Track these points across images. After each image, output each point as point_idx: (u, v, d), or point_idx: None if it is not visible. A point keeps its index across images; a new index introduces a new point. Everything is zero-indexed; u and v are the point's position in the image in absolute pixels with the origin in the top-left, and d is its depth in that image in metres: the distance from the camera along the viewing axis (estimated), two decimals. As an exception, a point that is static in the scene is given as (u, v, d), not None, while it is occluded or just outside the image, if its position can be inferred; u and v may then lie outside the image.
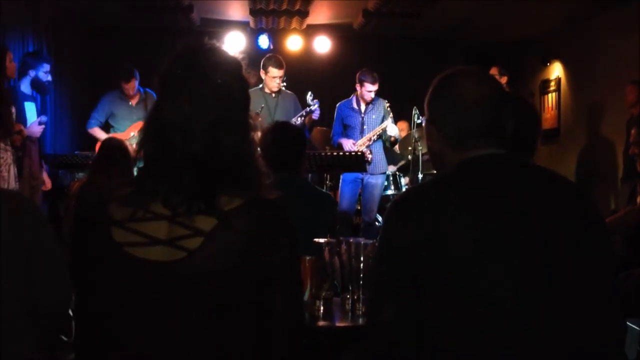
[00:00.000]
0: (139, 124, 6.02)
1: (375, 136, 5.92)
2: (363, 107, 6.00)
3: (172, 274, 1.28)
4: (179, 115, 1.33)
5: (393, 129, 5.88)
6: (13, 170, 4.64)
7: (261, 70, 5.72)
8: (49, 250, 1.66)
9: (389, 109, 5.91)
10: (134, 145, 5.04)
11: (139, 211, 1.31)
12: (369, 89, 5.86)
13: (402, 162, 7.03)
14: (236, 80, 1.40)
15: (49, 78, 5.60)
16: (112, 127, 6.24)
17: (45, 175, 5.50)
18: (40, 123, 5.24)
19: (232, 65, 1.41)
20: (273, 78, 5.72)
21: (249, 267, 1.28)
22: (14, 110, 4.79)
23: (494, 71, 6.54)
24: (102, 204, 1.34)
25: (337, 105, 6.14)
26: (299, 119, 5.78)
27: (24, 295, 1.61)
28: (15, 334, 1.59)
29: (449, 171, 1.53)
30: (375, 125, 5.94)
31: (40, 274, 1.63)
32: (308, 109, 5.85)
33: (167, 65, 1.38)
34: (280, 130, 3.08)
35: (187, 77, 1.35)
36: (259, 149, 1.53)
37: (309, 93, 5.90)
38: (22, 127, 4.92)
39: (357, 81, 5.94)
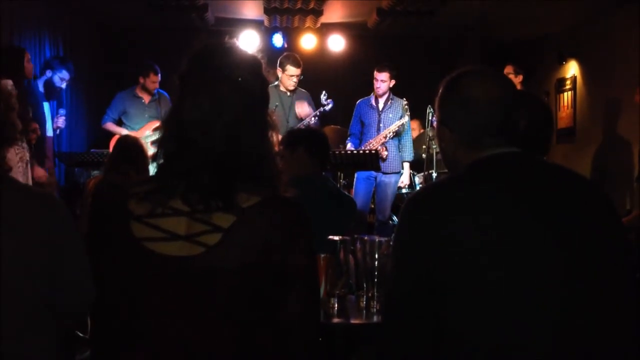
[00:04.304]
0: (153, 123, 6.07)
1: (391, 134, 5.93)
2: (381, 105, 6.02)
3: (190, 269, 1.29)
4: (198, 113, 1.34)
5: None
6: (29, 168, 4.68)
7: (278, 68, 5.74)
8: (76, 251, 1.66)
9: (406, 107, 5.92)
10: (150, 144, 5.07)
11: (159, 207, 1.32)
12: (376, 77, 5.92)
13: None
14: (256, 78, 1.40)
15: (63, 86, 5.66)
16: (125, 124, 6.27)
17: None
18: (60, 115, 5.44)
19: (252, 63, 1.42)
20: (290, 77, 5.73)
21: (266, 264, 1.29)
22: (29, 109, 4.84)
23: (508, 69, 6.49)
24: (122, 200, 1.35)
25: (357, 102, 6.16)
26: (313, 118, 5.79)
27: (48, 294, 1.61)
28: (37, 332, 1.60)
29: (463, 171, 1.53)
30: (391, 124, 5.95)
31: (65, 275, 1.63)
32: (322, 108, 5.85)
33: (187, 63, 1.39)
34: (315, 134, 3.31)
35: (207, 75, 1.36)
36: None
37: (323, 92, 5.91)
38: (37, 126, 4.96)
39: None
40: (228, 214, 1.30)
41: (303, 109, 5.81)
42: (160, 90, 6.31)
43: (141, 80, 6.26)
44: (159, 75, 6.23)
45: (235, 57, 1.40)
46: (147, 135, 5.91)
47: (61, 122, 5.56)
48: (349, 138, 6.15)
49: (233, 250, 1.28)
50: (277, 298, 1.32)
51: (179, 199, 1.33)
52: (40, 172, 4.98)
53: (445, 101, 1.59)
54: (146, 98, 6.30)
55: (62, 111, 5.54)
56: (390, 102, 6.03)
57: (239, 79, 1.37)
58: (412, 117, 6.30)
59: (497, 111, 1.53)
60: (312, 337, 1.39)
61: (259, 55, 1.45)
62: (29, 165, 4.67)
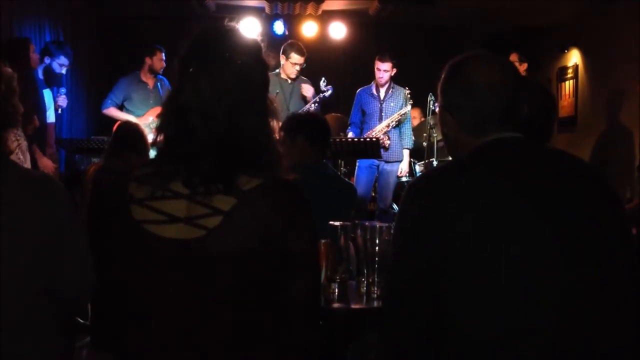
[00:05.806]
0: (157, 109, 6.03)
1: (394, 123, 5.92)
2: (382, 94, 5.99)
3: (190, 252, 1.29)
4: (199, 97, 1.33)
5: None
6: (27, 156, 4.68)
7: (281, 55, 5.71)
8: (76, 238, 1.65)
9: (409, 95, 5.90)
10: (153, 131, 5.05)
11: (159, 190, 1.32)
12: (379, 67, 5.87)
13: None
14: (257, 63, 1.40)
15: (63, 71, 5.63)
16: (128, 110, 6.22)
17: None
18: (60, 94, 5.47)
19: (253, 48, 1.41)
20: (294, 65, 5.70)
21: (266, 247, 1.29)
22: (31, 100, 4.83)
23: (513, 57, 6.48)
24: (122, 183, 1.35)
25: (357, 91, 6.14)
26: (313, 105, 5.77)
27: (48, 279, 1.60)
28: (37, 319, 1.59)
29: (464, 157, 1.52)
30: (393, 113, 5.93)
31: (65, 260, 1.62)
32: (322, 94, 5.84)
33: (188, 47, 1.38)
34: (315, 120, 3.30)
35: (207, 59, 1.36)
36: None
37: (322, 79, 5.89)
38: (35, 117, 4.93)
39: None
40: (229, 197, 1.29)
41: (307, 90, 5.79)
42: (162, 77, 6.29)
43: (148, 61, 6.21)
44: (164, 54, 6.21)
45: (235, 40, 1.39)
46: (151, 121, 5.87)
47: (61, 100, 5.55)
48: (349, 127, 6.12)
49: (233, 234, 1.28)
50: (277, 284, 1.32)
51: (180, 182, 1.32)
52: (46, 162, 4.98)
53: (448, 86, 1.58)
54: (150, 83, 6.26)
55: (62, 90, 5.54)
56: (392, 91, 6.00)
57: (240, 63, 1.36)
58: (413, 106, 6.29)
59: (500, 97, 1.52)
60: (313, 322, 1.39)
61: (260, 39, 1.45)
62: (27, 154, 4.66)
